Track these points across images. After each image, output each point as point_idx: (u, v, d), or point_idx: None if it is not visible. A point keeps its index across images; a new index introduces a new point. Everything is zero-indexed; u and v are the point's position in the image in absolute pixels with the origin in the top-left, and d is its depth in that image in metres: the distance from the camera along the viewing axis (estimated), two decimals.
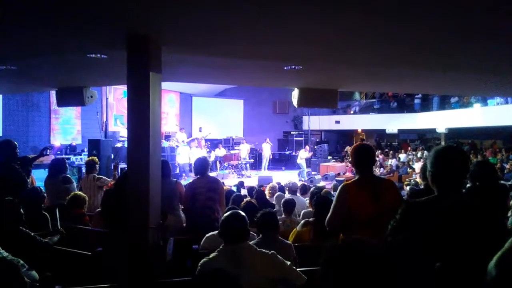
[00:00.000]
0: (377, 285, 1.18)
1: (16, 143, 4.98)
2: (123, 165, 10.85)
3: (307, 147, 16.60)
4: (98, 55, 3.62)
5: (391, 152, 18.55)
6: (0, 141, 5.19)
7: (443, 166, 1.75)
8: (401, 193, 3.58)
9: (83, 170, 10.74)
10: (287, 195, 6.52)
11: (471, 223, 1.62)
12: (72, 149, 12.62)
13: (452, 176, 1.73)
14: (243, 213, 2.57)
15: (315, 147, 18.30)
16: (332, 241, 1.36)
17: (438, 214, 1.64)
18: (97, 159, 6.01)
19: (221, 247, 2.44)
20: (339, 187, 2.92)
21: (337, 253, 1.24)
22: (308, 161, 16.23)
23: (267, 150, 17.01)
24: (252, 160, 17.06)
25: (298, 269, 2.50)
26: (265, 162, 17.02)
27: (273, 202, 6.16)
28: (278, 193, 6.07)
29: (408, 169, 15.78)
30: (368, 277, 1.18)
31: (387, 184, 2.93)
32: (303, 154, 15.70)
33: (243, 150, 16.60)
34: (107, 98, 13.34)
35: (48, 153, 5.84)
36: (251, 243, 2.90)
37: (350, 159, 3.02)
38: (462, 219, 1.62)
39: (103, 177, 5.86)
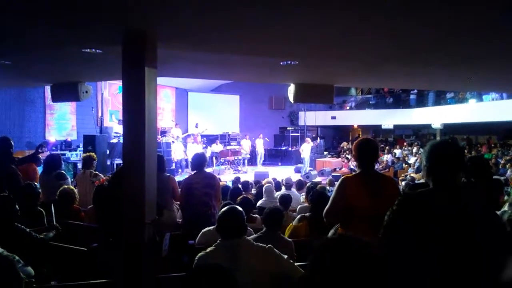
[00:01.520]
0: (367, 282, 1.19)
1: (12, 142, 4.95)
2: (118, 160, 10.84)
3: (308, 139, 16.56)
4: (93, 49, 3.60)
5: (386, 147, 18.61)
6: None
7: (438, 160, 1.76)
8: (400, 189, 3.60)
9: (79, 166, 10.74)
10: (283, 190, 6.56)
11: (466, 217, 1.63)
12: (67, 145, 12.57)
13: (447, 171, 1.74)
14: (240, 208, 2.58)
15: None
16: (322, 237, 1.37)
17: (433, 207, 1.65)
18: (95, 155, 5.95)
19: (218, 241, 2.44)
20: (339, 180, 2.93)
21: (326, 250, 1.25)
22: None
23: (260, 146, 17.06)
24: (249, 156, 17.09)
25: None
26: (259, 158, 17.06)
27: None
28: (267, 185, 6.13)
29: (404, 164, 15.85)
30: (358, 274, 1.19)
31: (387, 180, 2.94)
32: (306, 147, 15.68)
33: (245, 146, 16.69)
34: (102, 94, 13.28)
35: (42, 151, 5.81)
36: (252, 237, 2.91)
37: (353, 153, 3.01)
38: (457, 213, 1.63)
39: (99, 174, 5.82)
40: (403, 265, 1.61)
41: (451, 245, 1.58)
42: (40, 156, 5.70)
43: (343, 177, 2.94)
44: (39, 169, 5.57)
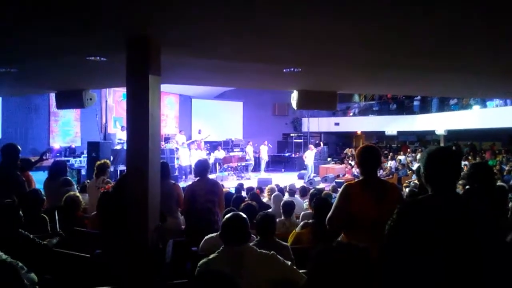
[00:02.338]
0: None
1: (19, 148, 4.96)
2: (122, 167, 10.87)
3: (311, 146, 16.55)
4: (98, 57, 3.63)
5: (390, 154, 18.55)
6: (5, 144, 5.13)
7: (435, 167, 1.77)
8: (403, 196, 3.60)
9: (83, 172, 10.77)
10: (286, 197, 6.54)
11: (465, 222, 1.63)
12: (71, 152, 12.62)
13: (444, 177, 1.75)
14: (244, 215, 2.58)
15: None
16: (320, 245, 1.37)
17: (432, 213, 1.66)
18: (109, 162, 5.86)
19: (221, 248, 2.44)
20: (342, 186, 2.92)
21: (323, 258, 1.26)
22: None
23: (264, 152, 17.08)
24: (252, 162, 17.10)
25: None
26: (263, 164, 17.08)
27: (270, 202, 6.18)
28: (276, 193, 6.09)
29: (408, 171, 15.78)
30: (356, 281, 1.19)
31: (390, 186, 2.93)
32: (309, 154, 15.67)
33: (250, 152, 16.76)
34: (106, 100, 13.35)
35: (47, 157, 5.81)
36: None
37: (356, 160, 3.01)
38: (457, 218, 1.64)
39: (111, 181, 5.76)
40: (404, 272, 1.61)
41: (451, 250, 1.58)
42: (33, 160, 5.70)
43: (345, 183, 2.94)
44: (34, 174, 5.57)
